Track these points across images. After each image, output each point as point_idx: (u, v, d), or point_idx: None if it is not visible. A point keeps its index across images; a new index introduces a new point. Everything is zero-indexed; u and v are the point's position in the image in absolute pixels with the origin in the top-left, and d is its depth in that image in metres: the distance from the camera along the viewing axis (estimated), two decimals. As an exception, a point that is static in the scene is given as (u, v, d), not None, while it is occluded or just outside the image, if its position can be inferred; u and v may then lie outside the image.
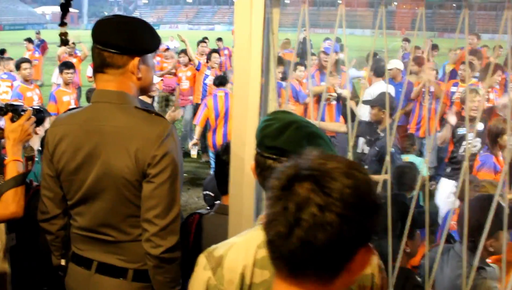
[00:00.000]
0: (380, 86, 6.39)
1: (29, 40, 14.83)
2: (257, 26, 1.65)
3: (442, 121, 5.73)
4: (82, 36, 10.96)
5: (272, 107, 1.83)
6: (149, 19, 72.94)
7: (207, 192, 3.10)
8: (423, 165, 4.96)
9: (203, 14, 76.57)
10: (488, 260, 2.59)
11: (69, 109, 2.09)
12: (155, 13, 79.99)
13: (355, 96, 6.96)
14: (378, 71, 6.80)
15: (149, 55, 1.96)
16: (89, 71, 9.14)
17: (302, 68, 6.94)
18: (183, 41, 8.82)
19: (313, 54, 7.70)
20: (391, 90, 6.57)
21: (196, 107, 7.94)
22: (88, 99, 6.54)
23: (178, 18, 75.62)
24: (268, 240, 0.95)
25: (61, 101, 6.62)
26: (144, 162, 1.80)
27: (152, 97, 6.06)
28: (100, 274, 1.93)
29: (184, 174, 7.52)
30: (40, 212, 2.03)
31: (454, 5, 50.67)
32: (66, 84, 6.91)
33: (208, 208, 2.39)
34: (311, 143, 1.36)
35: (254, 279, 1.35)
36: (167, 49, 10.71)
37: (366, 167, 4.61)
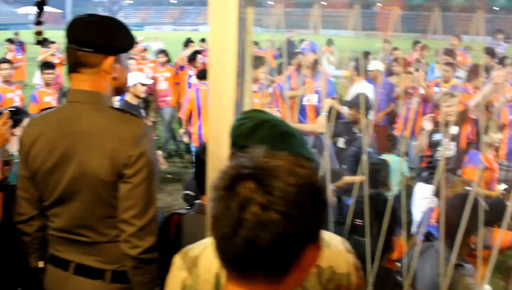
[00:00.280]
0: (362, 86, 6.47)
1: (10, 40, 14.67)
2: (231, 26, 1.65)
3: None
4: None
5: (248, 106, 1.83)
6: (133, 20, 72.75)
7: (188, 191, 3.10)
8: (405, 165, 5.04)
9: (187, 14, 76.39)
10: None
11: (44, 109, 2.07)
12: (139, 14, 79.64)
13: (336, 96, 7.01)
14: (361, 71, 6.86)
15: (124, 54, 1.95)
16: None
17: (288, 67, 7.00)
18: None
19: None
20: (370, 90, 6.63)
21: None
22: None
23: (162, 19, 75.35)
24: (215, 241, 0.95)
25: (42, 101, 6.56)
26: (119, 162, 1.79)
27: (140, 98, 6.08)
28: (77, 275, 1.92)
29: (168, 175, 7.57)
30: (17, 213, 2.01)
31: (438, 7, 51.19)
32: (47, 84, 6.85)
33: (188, 207, 2.38)
34: (284, 142, 1.36)
35: None
36: (145, 49, 10.66)
37: (345, 166, 4.66)
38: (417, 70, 7.25)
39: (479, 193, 3.72)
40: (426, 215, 3.91)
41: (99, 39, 1.83)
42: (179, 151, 9.13)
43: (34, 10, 2.21)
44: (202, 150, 2.23)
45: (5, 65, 6.88)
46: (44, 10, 2.20)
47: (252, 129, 1.38)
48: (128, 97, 5.89)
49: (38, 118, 1.98)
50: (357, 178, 4.70)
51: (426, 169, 5.11)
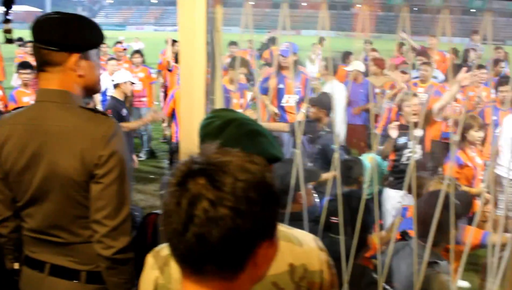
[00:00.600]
0: (334, 85, 6.58)
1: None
2: (200, 25, 1.65)
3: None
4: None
5: (219, 104, 1.83)
6: (114, 20, 72.28)
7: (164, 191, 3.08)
8: (384, 164, 5.08)
9: (168, 15, 76.10)
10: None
11: (15, 109, 2.04)
12: (120, 14, 79.13)
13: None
14: (331, 71, 6.99)
15: (92, 52, 1.92)
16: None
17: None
18: None
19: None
20: (341, 90, 6.71)
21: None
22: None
23: (144, 19, 74.97)
24: (167, 238, 0.94)
25: (21, 101, 6.51)
26: (90, 162, 1.78)
27: (126, 95, 6.07)
28: (53, 276, 1.90)
29: (151, 176, 7.55)
30: None
31: (416, 8, 51.85)
32: (25, 84, 6.77)
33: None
34: (252, 141, 1.36)
35: None
36: (125, 49, 10.59)
37: (311, 164, 4.69)
38: (402, 72, 7.31)
39: (453, 189, 3.79)
40: (398, 214, 3.95)
41: (61, 37, 1.80)
42: (160, 151, 9.11)
43: (1, 8, 2.18)
44: (176, 149, 2.23)
45: None
46: (12, 8, 2.16)
47: (220, 128, 1.38)
48: (116, 94, 5.92)
49: (7, 117, 1.95)
50: (329, 174, 4.78)
51: (392, 173, 5.08)
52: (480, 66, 7.39)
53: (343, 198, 2.13)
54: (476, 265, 4.45)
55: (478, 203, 3.93)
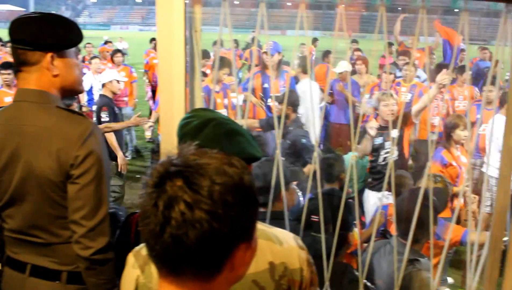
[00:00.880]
0: (307, 84, 6.64)
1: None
2: (178, 25, 1.65)
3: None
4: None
5: (199, 103, 1.83)
6: (99, 19, 71.72)
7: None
8: (366, 161, 5.12)
9: (153, 14, 75.49)
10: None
11: None
12: (105, 13, 78.54)
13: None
14: (306, 68, 7.03)
15: (69, 51, 1.90)
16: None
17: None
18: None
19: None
20: (315, 88, 6.79)
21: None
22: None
23: (129, 19, 74.51)
24: (144, 239, 0.93)
25: (3, 102, 6.42)
26: (66, 162, 1.77)
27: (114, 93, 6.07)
28: (34, 277, 1.89)
29: (137, 175, 7.52)
30: None
31: (400, 8, 52.19)
32: (7, 85, 6.69)
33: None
34: (231, 140, 1.36)
35: None
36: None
37: (283, 159, 4.73)
38: (385, 72, 7.39)
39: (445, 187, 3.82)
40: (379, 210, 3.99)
41: (34, 36, 1.79)
42: (146, 151, 9.08)
43: None
44: (157, 148, 2.23)
45: None
46: None
47: (198, 128, 1.37)
48: (105, 92, 5.94)
49: None
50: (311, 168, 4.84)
51: (370, 174, 5.10)
52: (462, 67, 7.45)
53: (323, 196, 2.14)
54: (460, 263, 4.52)
55: (460, 202, 3.98)
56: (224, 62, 6.04)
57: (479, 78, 8.27)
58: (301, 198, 3.68)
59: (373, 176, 5.02)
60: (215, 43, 11.09)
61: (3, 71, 6.68)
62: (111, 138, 5.52)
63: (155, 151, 4.35)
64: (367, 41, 16.30)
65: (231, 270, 0.94)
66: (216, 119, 1.40)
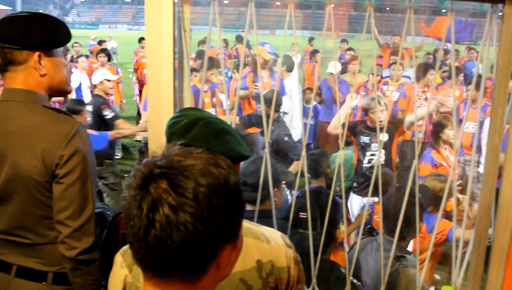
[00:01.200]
0: (292, 80, 6.64)
1: None
2: (167, 24, 1.65)
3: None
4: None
5: (187, 103, 1.84)
6: (87, 18, 71.20)
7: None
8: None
9: (142, 14, 75.21)
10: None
11: None
12: (93, 12, 78.00)
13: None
14: (289, 67, 7.11)
15: (57, 50, 1.89)
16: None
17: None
18: None
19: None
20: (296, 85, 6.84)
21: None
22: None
23: (117, 18, 74.07)
24: (128, 241, 0.92)
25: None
26: (51, 162, 1.76)
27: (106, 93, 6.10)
28: (20, 278, 1.88)
29: (126, 175, 7.49)
30: None
31: (388, 8, 52.42)
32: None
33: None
34: (219, 140, 1.37)
35: None
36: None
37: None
38: (372, 73, 7.45)
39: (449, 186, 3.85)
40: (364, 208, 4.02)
41: (21, 35, 1.78)
42: (136, 150, 9.05)
43: None
44: (145, 148, 2.23)
45: None
46: None
47: (187, 127, 1.37)
48: (98, 92, 5.97)
49: None
50: (298, 165, 4.88)
51: (355, 175, 5.07)
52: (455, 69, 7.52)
53: (311, 194, 2.16)
54: (446, 259, 4.56)
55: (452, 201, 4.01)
56: (212, 63, 6.05)
57: (467, 79, 8.36)
58: (289, 197, 3.70)
59: (358, 179, 4.99)
60: (199, 43, 11.09)
61: None
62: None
63: (142, 152, 4.34)
64: (356, 40, 16.37)
65: (217, 271, 0.94)
66: (205, 118, 1.40)
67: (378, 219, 3.94)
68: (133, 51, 13.05)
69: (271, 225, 1.93)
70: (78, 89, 8.19)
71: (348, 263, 2.21)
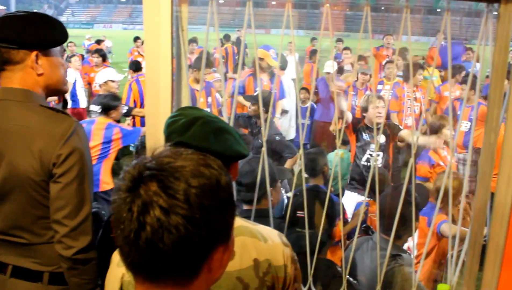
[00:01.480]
0: (285, 78, 6.78)
1: None
2: (165, 24, 1.66)
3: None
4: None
5: (185, 103, 1.84)
6: (82, 18, 70.97)
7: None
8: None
9: (137, 13, 75.10)
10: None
11: None
12: (88, 12, 77.75)
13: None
14: (282, 65, 7.23)
15: (54, 50, 1.89)
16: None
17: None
18: None
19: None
20: (292, 86, 6.99)
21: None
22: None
23: (112, 18, 73.87)
24: (118, 245, 0.90)
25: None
26: (49, 161, 1.76)
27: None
28: (15, 278, 1.87)
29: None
30: None
31: (383, 8, 52.55)
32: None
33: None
34: (218, 138, 1.37)
35: None
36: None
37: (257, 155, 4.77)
38: (363, 73, 7.46)
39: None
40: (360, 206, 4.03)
41: (19, 34, 1.78)
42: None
43: None
44: (142, 148, 2.23)
45: None
46: None
47: (186, 126, 1.38)
48: (103, 92, 5.96)
49: None
50: (293, 161, 4.90)
51: (351, 172, 5.08)
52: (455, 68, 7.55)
53: (307, 193, 2.16)
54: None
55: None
56: (207, 61, 6.05)
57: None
58: (285, 196, 3.70)
59: (353, 176, 4.98)
60: (189, 42, 11.07)
61: None
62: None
63: (138, 152, 4.34)
64: (351, 40, 16.41)
65: (209, 273, 0.92)
66: (203, 117, 1.41)
67: (373, 217, 3.97)
68: (128, 50, 13.02)
69: (267, 225, 1.94)
70: (73, 88, 8.19)
71: (344, 262, 2.22)
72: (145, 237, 0.84)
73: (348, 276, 2.24)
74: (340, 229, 2.63)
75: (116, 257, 1.45)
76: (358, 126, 4.94)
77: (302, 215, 2.21)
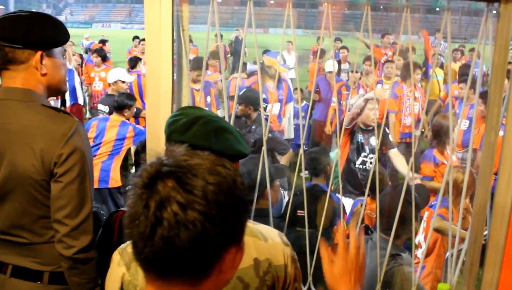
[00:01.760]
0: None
1: None
2: (166, 23, 1.66)
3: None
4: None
5: (185, 103, 1.84)
6: (80, 17, 70.92)
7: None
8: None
9: (136, 12, 75.14)
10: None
11: None
12: (87, 11, 77.69)
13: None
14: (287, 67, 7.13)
15: (56, 50, 1.90)
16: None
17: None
18: None
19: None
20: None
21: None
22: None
23: (111, 17, 73.83)
24: (132, 241, 0.91)
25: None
26: (50, 161, 1.76)
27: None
28: (15, 278, 1.88)
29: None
30: None
31: (381, 7, 52.57)
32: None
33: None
34: (219, 138, 1.38)
35: None
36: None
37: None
38: (351, 71, 7.48)
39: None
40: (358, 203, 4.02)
41: (23, 34, 1.78)
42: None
43: None
44: (141, 148, 2.23)
45: None
46: None
47: (187, 125, 1.38)
48: (112, 92, 6.05)
49: None
50: (288, 157, 4.92)
51: (344, 174, 4.92)
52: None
53: (308, 192, 2.16)
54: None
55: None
56: (198, 63, 6.00)
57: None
58: (285, 197, 3.70)
59: (347, 178, 4.84)
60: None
61: None
62: None
63: (138, 152, 4.35)
64: (349, 39, 16.40)
65: (220, 274, 0.93)
66: (204, 116, 1.41)
67: (370, 215, 3.96)
68: (127, 50, 13.01)
69: (267, 224, 1.94)
70: (71, 85, 8.20)
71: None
72: (161, 233, 0.85)
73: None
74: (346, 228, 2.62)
75: (116, 256, 1.45)
76: (353, 128, 4.89)
77: (302, 214, 2.20)
